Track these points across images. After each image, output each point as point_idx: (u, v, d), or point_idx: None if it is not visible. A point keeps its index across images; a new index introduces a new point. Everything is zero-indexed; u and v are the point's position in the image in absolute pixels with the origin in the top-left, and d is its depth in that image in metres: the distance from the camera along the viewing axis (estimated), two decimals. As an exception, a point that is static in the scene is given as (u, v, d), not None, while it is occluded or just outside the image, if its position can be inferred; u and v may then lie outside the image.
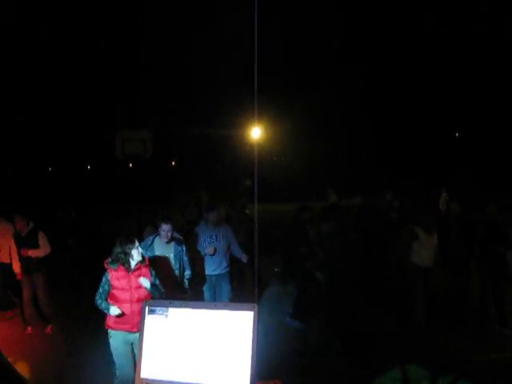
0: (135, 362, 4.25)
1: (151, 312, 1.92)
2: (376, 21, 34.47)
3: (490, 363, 6.42)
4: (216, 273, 7.52)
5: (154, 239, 6.56)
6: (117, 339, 5.13)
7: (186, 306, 1.90)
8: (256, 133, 18.99)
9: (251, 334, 1.79)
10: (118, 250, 5.09)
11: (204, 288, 7.55)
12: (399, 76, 34.97)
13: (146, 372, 1.89)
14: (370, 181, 26.48)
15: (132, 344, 5.10)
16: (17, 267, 8.06)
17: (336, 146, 38.35)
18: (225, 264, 7.59)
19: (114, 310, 4.98)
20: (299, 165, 34.19)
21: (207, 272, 7.51)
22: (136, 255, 5.10)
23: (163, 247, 6.50)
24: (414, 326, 7.81)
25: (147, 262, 5.26)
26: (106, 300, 5.08)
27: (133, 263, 5.10)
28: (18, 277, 8.09)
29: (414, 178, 27.61)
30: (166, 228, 6.40)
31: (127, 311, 5.04)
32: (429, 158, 33.51)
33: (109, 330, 5.16)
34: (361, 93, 34.87)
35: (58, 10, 30.77)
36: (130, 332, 5.04)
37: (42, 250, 7.89)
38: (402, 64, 34.79)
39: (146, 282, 5.06)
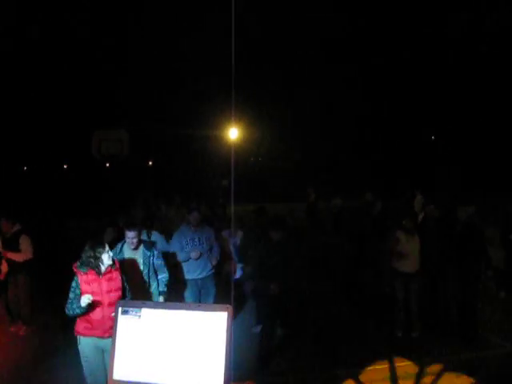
0: (106, 370, 4.00)
1: (124, 313, 1.90)
2: (351, 23, 34.71)
3: (462, 362, 6.52)
4: (201, 276, 7.33)
5: (122, 246, 6.31)
6: (87, 346, 4.89)
7: (159, 307, 1.89)
8: (233, 133, 18.98)
9: (225, 335, 1.79)
10: (87, 253, 4.86)
11: (186, 294, 7.36)
12: (376, 78, 35.25)
13: (118, 373, 1.87)
14: (349, 182, 26.65)
15: (103, 351, 4.85)
16: (4, 267, 7.86)
17: (315, 147, 38.49)
18: (210, 266, 7.39)
19: (84, 300, 4.62)
20: (276, 165, 34.26)
21: (191, 277, 7.32)
22: (106, 259, 4.88)
23: (132, 254, 6.24)
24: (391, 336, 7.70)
25: (117, 266, 5.06)
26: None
27: (103, 267, 4.87)
28: (1, 277, 7.90)
29: (391, 179, 27.86)
30: (130, 235, 6.12)
31: (98, 316, 4.80)
32: (404, 161, 33.84)
33: (78, 337, 4.92)
34: (339, 94, 35.08)
35: (34, 9, 30.41)
36: (102, 338, 4.81)
37: (20, 255, 7.72)
38: (380, 66, 35.09)
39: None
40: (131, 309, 1.90)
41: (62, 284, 5.26)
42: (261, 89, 34.34)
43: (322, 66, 35.62)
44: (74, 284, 4.83)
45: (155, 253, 6.27)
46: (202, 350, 1.80)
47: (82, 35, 32.62)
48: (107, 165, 21.42)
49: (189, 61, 33.79)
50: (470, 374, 6.12)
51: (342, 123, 35.79)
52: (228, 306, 1.82)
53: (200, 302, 7.24)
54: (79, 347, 4.93)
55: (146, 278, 6.19)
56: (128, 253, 6.22)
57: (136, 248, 6.20)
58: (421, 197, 16.46)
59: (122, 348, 1.88)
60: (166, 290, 6.28)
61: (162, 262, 6.34)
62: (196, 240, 7.31)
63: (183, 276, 7.38)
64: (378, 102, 35.31)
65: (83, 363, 4.92)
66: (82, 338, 4.91)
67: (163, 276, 6.28)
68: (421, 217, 11.77)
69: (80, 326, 4.89)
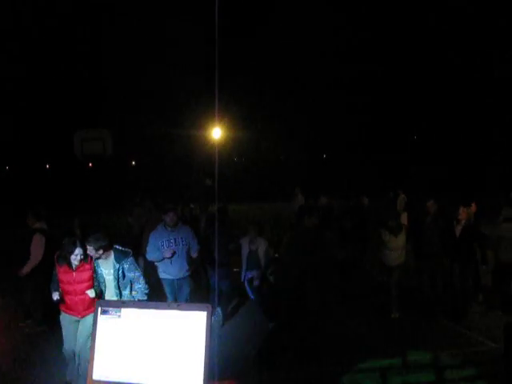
0: (76, 339, 5.67)
1: (104, 312, 1.89)
2: (335, 25, 34.84)
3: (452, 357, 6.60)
4: (178, 277, 7.29)
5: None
6: (64, 319, 5.86)
7: (139, 307, 1.89)
8: (217, 133, 18.97)
9: (204, 334, 1.79)
10: (62, 252, 5.70)
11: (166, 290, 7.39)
12: (360, 79, 35.41)
13: (98, 373, 1.86)
14: (334, 181, 26.73)
15: (76, 324, 5.77)
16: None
17: (298, 147, 38.58)
18: (186, 267, 7.34)
19: (54, 295, 5.68)
20: (260, 165, 34.29)
21: (166, 277, 7.31)
22: (79, 256, 5.62)
23: (103, 262, 5.87)
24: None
25: (90, 260, 5.76)
26: (58, 289, 5.74)
27: (75, 263, 5.64)
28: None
29: (374, 179, 28.01)
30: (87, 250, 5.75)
31: (72, 302, 5.74)
32: (387, 160, 34.04)
33: (60, 310, 5.89)
34: (323, 94, 35.21)
35: (19, 9, 30.16)
36: (76, 317, 5.75)
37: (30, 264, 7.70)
38: (363, 67, 35.25)
39: (91, 293, 5.68)
40: (111, 309, 1.89)
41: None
42: (245, 89, 34.37)
43: (308, 66, 35.74)
44: (54, 272, 5.80)
45: (125, 266, 5.83)
46: (182, 350, 1.80)
47: (69, 36, 32.41)
48: (90, 165, 21.28)
49: (173, 60, 33.71)
50: (455, 371, 6.19)
51: (326, 123, 35.91)
52: (208, 305, 1.82)
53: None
54: (60, 317, 5.89)
55: (115, 289, 5.87)
56: (100, 261, 5.87)
57: (105, 259, 5.83)
58: (403, 196, 16.60)
59: (102, 348, 1.87)
60: (145, 298, 5.96)
61: (136, 273, 5.91)
62: (172, 241, 7.25)
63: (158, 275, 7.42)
64: (362, 102, 35.47)
65: (62, 331, 5.86)
66: (62, 313, 5.89)
67: (139, 287, 5.91)
68: (405, 215, 11.89)
69: (61, 305, 5.86)
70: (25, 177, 34.19)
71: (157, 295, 7.09)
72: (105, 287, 5.87)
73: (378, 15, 34.62)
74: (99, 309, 1.90)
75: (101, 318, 1.89)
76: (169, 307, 1.86)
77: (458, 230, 8.36)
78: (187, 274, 7.42)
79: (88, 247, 5.72)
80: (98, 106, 31.88)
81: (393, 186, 18.24)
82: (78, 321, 5.74)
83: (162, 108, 35.80)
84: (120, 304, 1.90)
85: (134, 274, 5.90)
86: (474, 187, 23.74)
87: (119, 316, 1.88)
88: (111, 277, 5.86)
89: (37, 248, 7.70)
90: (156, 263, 7.41)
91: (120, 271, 5.85)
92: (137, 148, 37.82)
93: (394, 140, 36.79)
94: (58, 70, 32.58)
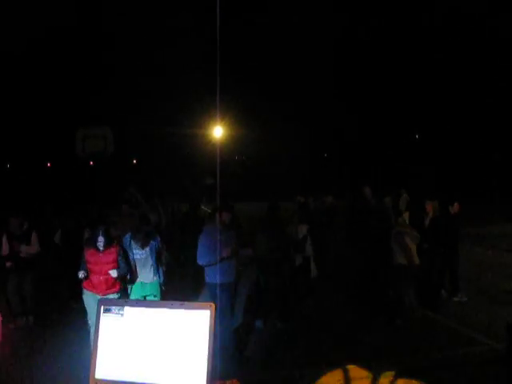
0: None
1: (106, 311, 1.88)
2: (335, 23, 34.85)
3: (444, 360, 6.58)
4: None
5: (130, 241, 7.11)
6: (87, 297, 6.67)
7: (142, 305, 1.88)
8: (218, 132, 18.94)
9: (208, 334, 1.78)
10: (86, 235, 7.23)
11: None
12: (362, 78, 35.40)
13: (100, 372, 1.85)
14: (335, 180, 26.75)
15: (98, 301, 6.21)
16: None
17: (299, 146, 38.57)
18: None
19: (80, 273, 6.55)
20: (261, 164, 34.29)
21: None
22: (103, 239, 6.56)
23: (138, 245, 7.14)
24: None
25: (117, 244, 6.76)
26: (86, 270, 6.59)
27: (100, 245, 6.58)
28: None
29: (374, 178, 27.97)
30: (100, 240, 6.76)
31: (97, 280, 6.56)
32: (389, 160, 34.03)
33: (83, 290, 6.71)
34: (324, 94, 35.20)
35: (19, 6, 30.16)
36: (98, 294, 6.47)
37: (33, 248, 8.46)
38: (364, 66, 35.24)
39: (113, 273, 6.52)
40: (113, 307, 1.88)
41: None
42: (246, 89, 34.37)
43: (309, 66, 35.74)
44: (83, 254, 6.69)
45: (158, 239, 7.23)
46: (185, 349, 1.79)
47: (70, 33, 32.42)
48: (91, 163, 21.27)
49: (175, 59, 33.71)
50: (454, 370, 6.18)
51: (327, 122, 35.90)
52: (211, 303, 1.81)
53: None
54: (83, 296, 6.75)
55: (153, 264, 7.07)
56: (136, 246, 7.06)
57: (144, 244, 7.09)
58: (406, 195, 16.57)
59: (104, 346, 1.86)
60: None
61: (162, 248, 7.40)
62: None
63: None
64: (364, 102, 35.46)
65: (86, 307, 6.74)
66: (84, 290, 6.72)
67: (163, 258, 7.49)
68: (406, 215, 11.91)
69: (85, 283, 6.70)
70: (26, 175, 34.20)
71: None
72: (137, 267, 6.99)
73: (381, 12, 34.59)
74: (101, 307, 1.89)
75: (103, 317, 1.88)
76: (172, 306, 1.85)
77: (427, 222, 9.37)
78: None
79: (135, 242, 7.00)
80: (99, 104, 31.89)
81: (395, 186, 18.23)
82: (97, 298, 6.08)
83: (165, 106, 35.81)
84: (123, 303, 1.89)
85: (162, 247, 7.37)
86: (474, 187, 23.75)
87: (122, 315, 1.87)
88: (147, 254, 7.02)
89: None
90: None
91: (155, 247, 7.10)
92: (138, 146, 37.84)
93: (395, 140, 36.75)
94: (60, 67, 32.58)
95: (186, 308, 1.83)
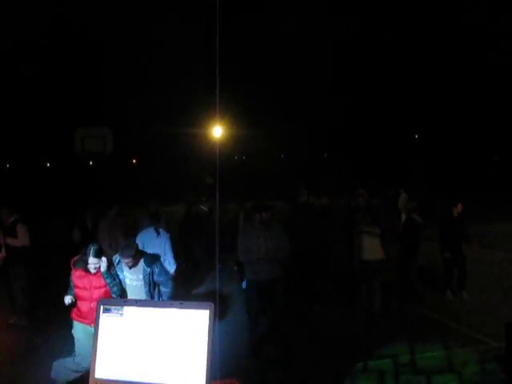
0: None
1: (106, 311, 1.89)
2: (334, 22, 34.86)
3: (444, 360, 6.58)
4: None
5: (119, 260, 5.83)
6: (78, 330, 5.59)
7: (141, 305, 1.88)
8: (217, 132, 18.93)
9: (207, 333, 1.78)
10: (81, 255, 5.51)
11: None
12: (361, 78, 35.39)
13: (100, 372, 1.86)
14: (333, 181, 26.72)
15: (91, 335, 5.03)
16: (2, 254, 8.42)
17: (298, 146, 38.57)
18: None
19: (66, 299, 5.50)
20: (260, 164, 34.28)
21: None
22: (95, 261, 5.43)
23: (131, 270, 5.78)
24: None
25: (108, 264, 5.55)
26: (73, 295, 5.55)
27: (91, 267, 5.45)
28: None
29: (374, 178, 27.97)
30: (124, 261, 5.67)
31: (86, 308, 5.46)
32: (388, 159, 34.03)
33: (72, 320, 5.65)
34: (322, 93, 35.19)
35: (19, 8, 30.18)
36: (90, 326, 5.28)
37: (18, 241, 8.26)
38: (363, 66, 35.24)
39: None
40: (113, 307, 1.88)
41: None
42: (246, 88, 34.37)
43: (308, 65, 35.73)
44: (70, 277, 5.59)
45: (156, 270, 5.78)
46: (184, 348, 1.79)
47: (70, 34, 32.42)
48: (90, 163, 21.25)
49: (174, 59, 33.70)
50: (454, 370, 6.19)
51: (327, 122, 35.89)
52: (210, 303, 1.81)
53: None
54: (72, 331, 5.66)
55: (147, 296, 5.78)
56: (126, 268, 5.78)
57: (134, 265, 5.73)
58: (405, 194, 16.57)
59: (104, 346, 1.87)
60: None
61: (165, 278, 5.90)
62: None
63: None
64: (363, 101, 35.46)
65: (75, 343, 5.60)
66: (74, 322, 5.65)
67: (166, 291, 5.88)
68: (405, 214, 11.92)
69: (73, 312, 5.65)
70: (25, 174, 34.19)
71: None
72: (127, 293, 5.73)
73: (380, 12, 34.59)
74: (101, 307, 1.90)
75: (103, 317, 1.89)
76: (171, 306, 1.85)
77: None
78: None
79: (122, 258, 5.67)
80: (98, 104, 31.89)
81: (393, 185, 18.23)
82: (90, 330, 5.15)
83: (164, 106, 35.79)
84: (122, 302, 1.90)
85: (163, 278, 5.84)
86: (474, 186, 23.77)
87: (121, 314, 1.87)
88: (141, 282, 5.76)
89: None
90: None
91: (151, 276, 5.75)
92: (137, 146, 37.83)
93: (395, 139, 36.76)
94: (59, 67, 32.57)
95: (185, 307, 1.83)
